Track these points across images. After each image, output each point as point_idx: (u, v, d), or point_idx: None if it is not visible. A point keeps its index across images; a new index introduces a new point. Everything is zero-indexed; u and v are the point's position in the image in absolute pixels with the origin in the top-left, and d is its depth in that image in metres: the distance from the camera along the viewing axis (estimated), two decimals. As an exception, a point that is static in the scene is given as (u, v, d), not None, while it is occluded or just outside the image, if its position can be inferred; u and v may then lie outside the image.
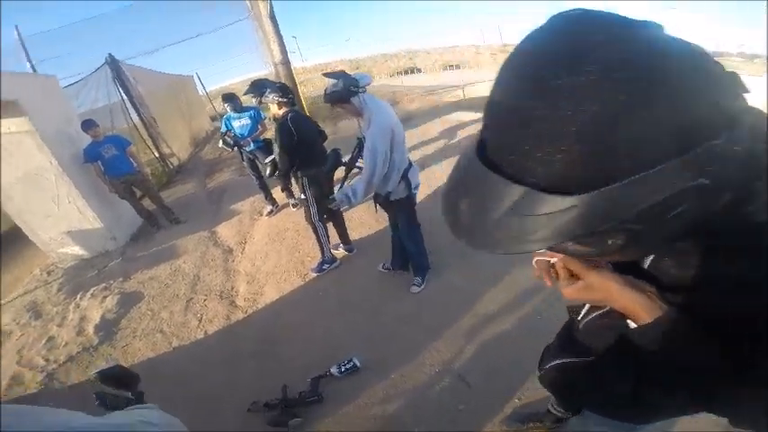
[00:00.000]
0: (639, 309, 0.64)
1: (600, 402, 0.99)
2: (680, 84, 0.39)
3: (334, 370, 2.60)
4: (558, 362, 1.10)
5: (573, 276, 0.72)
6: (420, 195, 3.20)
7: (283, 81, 8.33)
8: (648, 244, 0.54)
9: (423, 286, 3.22)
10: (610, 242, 0.48)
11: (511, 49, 0.47)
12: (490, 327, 2.75)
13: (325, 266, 3.82)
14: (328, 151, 3.63)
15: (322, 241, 3.72)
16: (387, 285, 3.41)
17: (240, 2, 9.27)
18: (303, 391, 2.50)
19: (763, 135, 0.47)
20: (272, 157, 3.67)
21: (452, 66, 24.14)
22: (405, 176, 2.75)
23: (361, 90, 2.56)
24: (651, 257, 0.69)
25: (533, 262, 0.79)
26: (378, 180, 2.64)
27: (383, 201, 2.90)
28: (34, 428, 0.86)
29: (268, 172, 4.03)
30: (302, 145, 3.29)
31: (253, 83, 3.68)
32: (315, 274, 3.81)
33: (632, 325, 0.70)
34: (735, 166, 0.42)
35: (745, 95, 0.45)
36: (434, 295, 3.15)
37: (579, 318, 1.09)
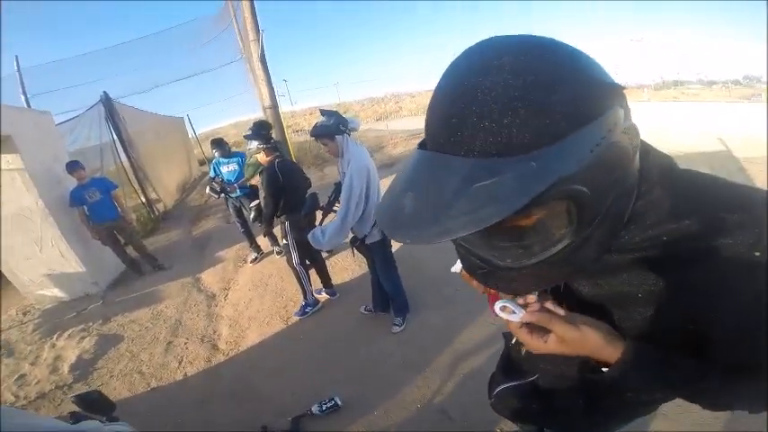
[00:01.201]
0: (609, 352, 0.64)
1: (554, 418, 1.05)
2: (589, 62, 0.50)
3: (315, 409, 2.66)
4: (504, 386, 1.15)
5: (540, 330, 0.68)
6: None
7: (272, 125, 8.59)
8: (594, 215, 0.53)
9: (403, 326, 3.35)
10: (559, 227, 0.53)
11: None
12: (468, 362, 2.89)
13: (308, 309, 3.94)
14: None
15: (304, 284, 3.87)
16: (368, 326, 3.54)
17: (233, 43, 9.58)
18: (284, 430, 2.57)
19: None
20: (258, 201, 3.85)
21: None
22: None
23: (347, 132, 2.82)
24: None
25: (498, 309, 0.71)
26: (352, 219, 2.82)
27: (360, 244, 3.10)
28: (5, 429, 0.97)
29: (252, 216, 4.21)
30: (287, 191, 3.49)
31: (254, 123, 3.74)
32: (297, 318, 3.93)
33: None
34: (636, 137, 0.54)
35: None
36: (414, 334, 3.29)
37: (513, 342, 1.15)
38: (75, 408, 1.66)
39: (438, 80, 0.54)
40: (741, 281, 0.55)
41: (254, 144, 3.50)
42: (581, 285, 0.74)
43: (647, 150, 0.64)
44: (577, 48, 0.52)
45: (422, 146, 0.56)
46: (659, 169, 0.62)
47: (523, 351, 1.05)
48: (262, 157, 3.56)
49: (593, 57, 0.53)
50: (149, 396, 3.26)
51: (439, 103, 0.52)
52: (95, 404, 1.71)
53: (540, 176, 0.43)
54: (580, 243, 0.54)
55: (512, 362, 1.16)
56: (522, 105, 0.44)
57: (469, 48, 0.53)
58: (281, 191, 3.48)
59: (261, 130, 3.54)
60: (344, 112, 3.08)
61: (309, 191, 3.77)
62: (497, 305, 0.69)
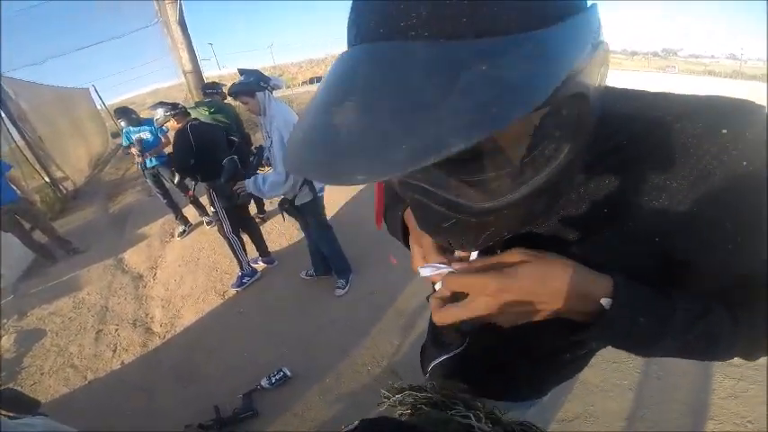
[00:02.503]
0: (585, 292, 0.52)
1: (488, 388, 0.97)
2: None
3: (264, 383, 2.70)
4: (438, 360, 1.06)
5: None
6: (334, 199, 3.37)
7: (194, 91, 8.18)
8: (588, 125, 0.42)
9: (346, 289, 3.43)
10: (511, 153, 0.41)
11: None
12: (415, 320, 3.03)
13: (246, 280, 3.91)
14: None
15: (239, 254, 3.81)
16: (311, 292, 3.59)
17: (147, 5, 8.93)
18: (236, 408, 2.58)
19: None
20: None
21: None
22: (307, 181, 2.92)
23: (268, 88, 2.74)
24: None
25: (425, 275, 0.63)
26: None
27: (289, 207, 3.06)
28: None
29: (176, 180, 4.05)
30: (204, 154, 3.34)
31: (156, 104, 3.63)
32: (235, 290, 3.90)
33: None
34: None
35: None
36: (359, 296, 3.37)
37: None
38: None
39: None
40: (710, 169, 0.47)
41: (160, 112, 3.35)
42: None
43: None
44: None
45: (348, 47, 0.40)
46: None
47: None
48: (172, 125, 3.41)
49: None
50: (88, 389, 3.15)
51: None
52: (12, 403, 1.66)
53: (553, 60, 0.33)
54: (568, 162, 0.43)
55: (438, 332, 1.06)
56: None
57: None
58: (194, 155, 3.32)
59: (157, 105, 3.42)
60: (280, 75, 3.00)
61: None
62: (425, 268, 0.61)
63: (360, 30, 0.38)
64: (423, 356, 1.21)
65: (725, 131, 0.46)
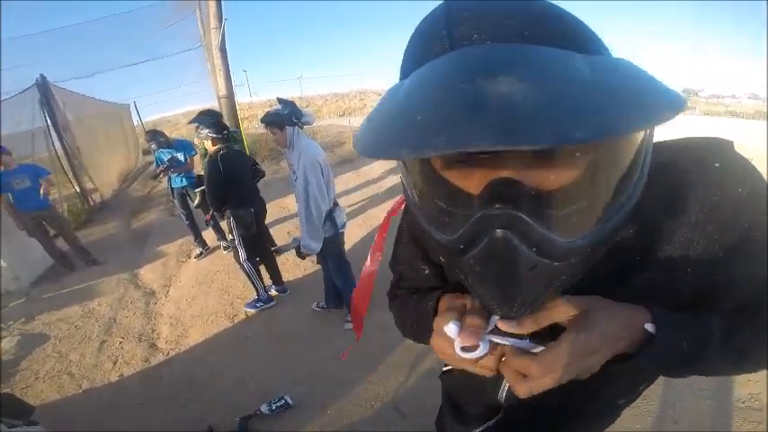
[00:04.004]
0: (629, 329, 0.52)
1: None
2: None
3: (264, 408, 2.62)
4: None
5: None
6: (353, 234, 3.36)
7: (226, 116, 8.45)
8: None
9: (356, 324, 3.34)
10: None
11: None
12: (422, 359, 2.92)
13: (259, 304, 3.89)
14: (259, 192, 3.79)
15: (254, 281, 3.82)
16: (320, 323, 3.52)
17: (193, 30, 9.34)
18: (231, 431, 2.51)
19: None
20: (203, 187, 3.77)
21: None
22: (330, 216, 2.96)
23: (299, 124, 2.80)
24: None
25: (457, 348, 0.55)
26: (317, 214, 2.82)
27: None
28: None
29: (197, 202, 4.11)
30: (230, 184, 3.40)
31: (200, 113, 3.71)
32: (248, 310, 3.90)
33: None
34: None
35: None
36: (368, 331, 3.26)
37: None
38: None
39: None
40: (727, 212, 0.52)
41: (206, 132, 3.39)
42: None
43: None
44: None
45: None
46: None
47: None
48: (209, 146, 3.47)
49: None
50: (81, 398, 3.10)
51: None
52: (8, 408, 1.63)
53: (659, 82, 0.33)
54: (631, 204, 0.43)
55: (459, 405, 1.02)
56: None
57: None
58: (222, 183, 3.38)
59: (209, 119, 3.45)
60: (306, 107, 3.09)
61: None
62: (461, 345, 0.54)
63: (454, 39, 0.37)
64: (440, 428, 1.15)
65: (717, 164, 0.53)
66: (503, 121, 0.26)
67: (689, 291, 0.57)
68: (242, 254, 3.68)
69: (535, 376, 0.50)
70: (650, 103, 0.29)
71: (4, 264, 5.01)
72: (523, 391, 0.51)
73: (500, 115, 0.27)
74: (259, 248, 3.86)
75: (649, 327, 0.51)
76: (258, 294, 3.90)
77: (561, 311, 0.52)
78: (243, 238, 3.62)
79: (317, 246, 2.94)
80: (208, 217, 4.27)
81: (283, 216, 6.48)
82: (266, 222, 4.24)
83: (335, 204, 3.08)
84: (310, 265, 4.50)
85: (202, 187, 3.84)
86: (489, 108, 0.27)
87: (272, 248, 4.89)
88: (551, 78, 0.30)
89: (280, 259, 4.62)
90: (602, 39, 0.40)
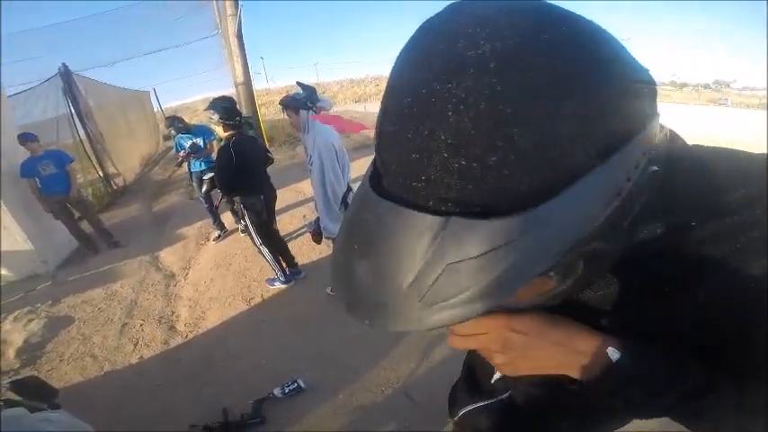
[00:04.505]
0: (592, 351, 0.53)
1: None
2: (615, 47, 0.34)
3: (277, 391, 2.65)
4: (472, 407, 1.02)
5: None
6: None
7: (243, 102, 8.48)
8: (606, 264, 0.43)
9: (370, 309, 3.34)
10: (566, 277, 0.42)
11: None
12: (435, 346, 2.90)
13: (276, 283, 3.98)
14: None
15: (271, 264, 3.86)
16: (334, 308, 3.51)
17: (210, 18, 9.40)
18: (245, 413, 2.54)
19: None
20: (212, 174, 3.80)
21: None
22: (345, 201, 2.95)
23: (314, 109, 2.78)
24: None
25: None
26: (333, 197, 2.83)
27: (317, 228, 3.12)
28: None
29: (205, 188, 4.16)
30: (241, 171, 3.39)
31: (214, 100, 3.68)
32: (270, 286, 4.02)
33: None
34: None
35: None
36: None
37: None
38: (13, 395, 1.61)
39: (393, 66, 0.37)
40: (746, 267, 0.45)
41: (217, 118, 3.38)
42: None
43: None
44: (594, 22, 0.35)
45: (374, 176, 0.40)
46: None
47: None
48: (221, 132, 3.47)
49: (616, 36, 0.36)
50: (103, 381, 3.18)
51: (392, 120, 0.35)
52: (33, 390, 1.66)
53: (544, 249, 0.32)
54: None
55: (476, 377, 1.03)
56: (517, 131, 0.29)
57: (433, 18, 0.36)
58: (233, 170, 3.38)
59: (221, 104, 3.43)
60: (322, 93, 3.07)
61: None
62: None
63: (379, 161, 0.39)
64: (452, 399, 1.16)
65: None
66: (355, 304, 0.39)
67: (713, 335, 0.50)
68: (256, 239, 3.73)
69: (460, 332, 0.59)
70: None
71: (32, 247, 5.15)
72: (451, 341, 0.61)
73: (354, 297, 0.39)
74: (270, 234, 3.89)
75: (612, 352, 0.50)
76: (277, 275, 3.96)
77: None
78: (255, 224, 3.65)
79: (336, 227, 2.93)
80: (217, 202, 4.31)
81: (299, 200, 6.51)
82: (282, 207, 4.25)
83: (350, 189, 3.07)
84: (325, 249, 4.50)
85: (211, 174, 3.87)
86: (351, 291, 0.39)
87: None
88: (385, 273, 0.35)
89: (296, 243, 4.66)
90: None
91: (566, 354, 0.54)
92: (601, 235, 0.35)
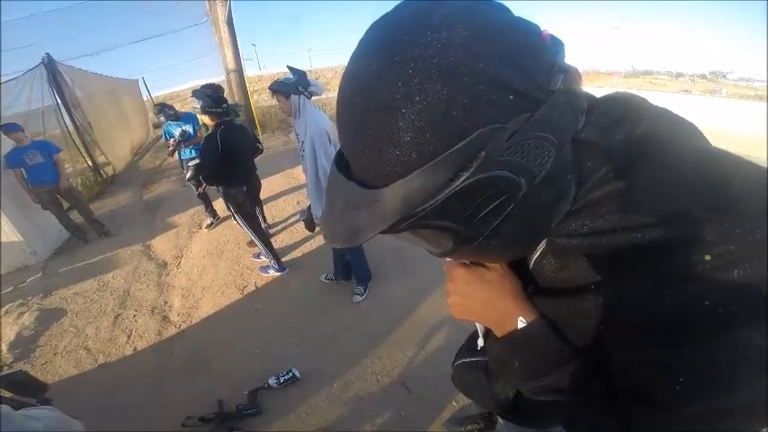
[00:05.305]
0: (515, 312, 0.64)
1: (489, 404, 1.06)
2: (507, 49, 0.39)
3: (272, 381, 2.64)
4: (462, 360, 1.17)
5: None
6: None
7: (234, 89, 8.35)
8: (470, 241, 0.50)
9: (364, 296, 3.33)
10: (442, 241, 0.51)
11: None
12: (430, 334, 2.90)
13: (270, 271, 3.95)
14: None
15: (264, 251, 3.86)
16: (328, 296, 3.51)
17: (199, 4, 9.23)
18: (240, 404, 2.53)
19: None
20: (197, 161, 3.73)
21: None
22: None
23: (305, 93, 2.71)
24: (536, 255, 0.63)
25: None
26: (324, 178, 2.75)
27: (309, 216, 3.07)
28: None
29: (189, 174, 4.10)
30: (227, 161, 3.32)
31: (197, 89, 3.56)
32: (263, 274, 4.00)
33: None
34: (545, 157, 0.43)
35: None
36: (376, 304, 3.27)
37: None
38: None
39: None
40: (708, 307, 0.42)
41: (199, 105, 3.28)
42: (548, 264, 0.62)
43: (620, 122, 0.52)
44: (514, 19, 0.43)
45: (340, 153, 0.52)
46: (627, 150, 0.50)
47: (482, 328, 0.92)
48: (207, 120, 3.39)
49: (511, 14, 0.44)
50: (97, 373, 3.14)
51: (338, 121, 0.49)
52: (22, 386, 1.62)
53: (379, 217, 0.43)
54: (480, 243, 0.50)
55: (474, 337, 1.06)
56: (371, 141, 0.42)
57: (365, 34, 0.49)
58: (218, 160, 3.30)
59: (205, 92, 3.33)
60: (316, 79, 2.99)
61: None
62: None
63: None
64: (457, 353, 1.26)
65: None
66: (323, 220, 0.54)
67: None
68: (246, 229, 3.72)
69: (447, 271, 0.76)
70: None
71: (22, 238, 5.07)
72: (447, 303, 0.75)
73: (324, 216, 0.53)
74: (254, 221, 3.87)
75: (520, 321, 0.63)
76: (270, 263, 3.93)
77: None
78: (240, 213, 3.64)
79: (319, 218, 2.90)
80: (200, 190, 4.27)
81: (293, 186, 6.44)
82: (276, 192, 4.20)
83: None
84: (319, 237, 4.48)
85: (196, 161, 3.79)
86: (331, 219, 0.50)
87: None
88: (333, 208, 0.49)
89: (289, 231, 4.62)
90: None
91: (491, 310, 0.67)
92: (444, 215, 0.44)
